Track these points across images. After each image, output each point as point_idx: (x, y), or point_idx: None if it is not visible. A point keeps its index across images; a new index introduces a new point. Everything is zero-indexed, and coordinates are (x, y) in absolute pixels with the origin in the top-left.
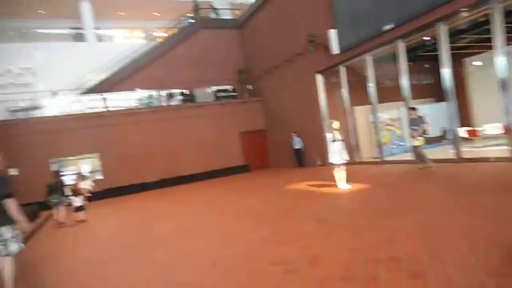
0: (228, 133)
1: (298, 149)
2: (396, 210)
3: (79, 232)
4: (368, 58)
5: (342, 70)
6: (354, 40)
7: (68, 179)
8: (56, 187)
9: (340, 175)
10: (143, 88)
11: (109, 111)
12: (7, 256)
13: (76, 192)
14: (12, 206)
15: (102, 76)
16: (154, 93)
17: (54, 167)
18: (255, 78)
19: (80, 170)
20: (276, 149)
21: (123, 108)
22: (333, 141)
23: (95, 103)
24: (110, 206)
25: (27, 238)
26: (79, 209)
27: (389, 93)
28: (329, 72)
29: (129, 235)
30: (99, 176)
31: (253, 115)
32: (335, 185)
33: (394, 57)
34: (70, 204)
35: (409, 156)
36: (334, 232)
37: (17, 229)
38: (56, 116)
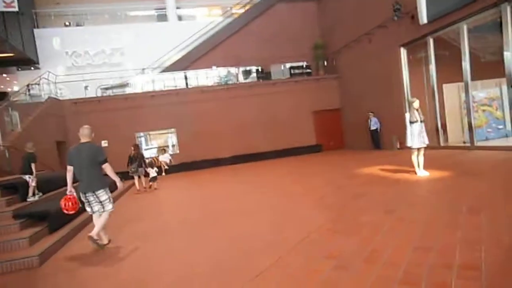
0: (301, 112)
1: (374, 130)
2: (483, 204)
3: (149, 200)
4: (463, 28)
5: (431, 43)
6: (447, 6)
7: (149, 152)
8: (136, 158)
9: (419, 160)
10: (219, 65)
11: (186, 88)
12: (104, 212)
13: (152, 163)
14: (108, 169)
15: (180, 54)
16: (232, 70)
17: (135, 141)
18: (331, 54)
19: (160, 144)
20: (352, 130)
21: (199, 86)
22: (412, 122)
23: (177, 81)
24: (183, 179)
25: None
26: (153, 179)
27: (486, 68)
28: (414, 45)
29: (191, 209)
30: (176, 151)
31: (327, 93)
32: (413, 171)
33: (495, 26)
34: (147, 174)
35: (509, 142)
36: (401, 226)
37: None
38: (137, 93)
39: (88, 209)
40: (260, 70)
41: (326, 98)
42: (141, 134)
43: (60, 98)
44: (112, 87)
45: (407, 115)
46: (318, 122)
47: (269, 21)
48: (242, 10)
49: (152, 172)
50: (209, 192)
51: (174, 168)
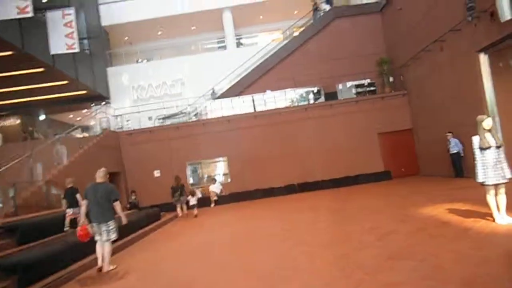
0: (364, 134)
1: (455, 154)
2: None
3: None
4: None
5: None
6: None
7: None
8: (178, 188)
9: (498, 201)
10: (273, 89)
11: (238, 115)
12: (107, 241)
13: (193, 192)
14: (118, 207)
15: (235, 81)
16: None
17: (185, 171)
18: (398, 69)
19: (212, 174)
20: (427, 153)
21: (247, 112)
22: (483, 148)
23: (241, 107)
24: (230, 213)
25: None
26: (193, 206)
27: None
28: (500, 49)
29: (217, 254)
30: (227, 180)
31: (395, 112)
32: (490, 216)
33: None
34: (188, 202)
35: None
36: None
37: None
38: (188, 122)
39: (97, 237)
40: (317, 91)
41: (394, 117)
42: (193, 162)
43: (117, 131)
44: (168, 117)
45: (475, 139)
46: (386, 145)
47: (328, 39)
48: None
49: (192, 200)
50: (241, 231)
51: (225, 199)
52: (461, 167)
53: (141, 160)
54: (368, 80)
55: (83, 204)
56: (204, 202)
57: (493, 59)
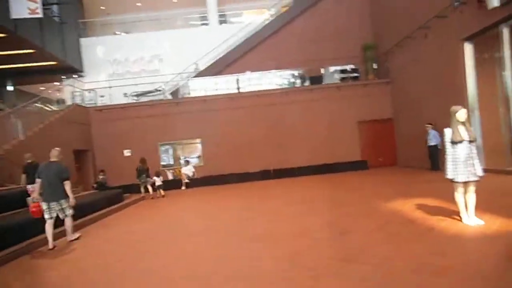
0: (344, 122)
1: (433, 146)
2: None
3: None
4: None
5: (504, 33)
6: None
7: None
8: (144, 170)
9: (467, 200)
10: (255, 70)
11: (215, 95)
12: (66, 217)
13: (158, 173)
14: (67, 187)
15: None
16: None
17: (157, 152)
18: (383, 55)
19: (186, 155)
20: (406, 144)
21: (224, 93)
22: (455, 142)
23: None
24: (194, 197)
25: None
26: (159, 187)
27: None
28: (484, 39)
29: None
30: (201, 163)
31: (377, 101)
32: (458, 215)
33: None
34: (154, 184)
35: None
36: None
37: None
38: (162, 100)
39: (46, 216)
40: (298, 75)
41: (375, 106)
42: (165, 143)
43: (87, 106)
44: (143, 94)
45: (447, 132)
46: (365, 134)
47: (313, 20)
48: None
49: (158, 181)
50: (194, 219)
51: (197, 182)
52: (438, 160)
53: (112, 138)
54: (352, 66)
55: (37, 182)
56: (175, 184)
57: (478, 49)
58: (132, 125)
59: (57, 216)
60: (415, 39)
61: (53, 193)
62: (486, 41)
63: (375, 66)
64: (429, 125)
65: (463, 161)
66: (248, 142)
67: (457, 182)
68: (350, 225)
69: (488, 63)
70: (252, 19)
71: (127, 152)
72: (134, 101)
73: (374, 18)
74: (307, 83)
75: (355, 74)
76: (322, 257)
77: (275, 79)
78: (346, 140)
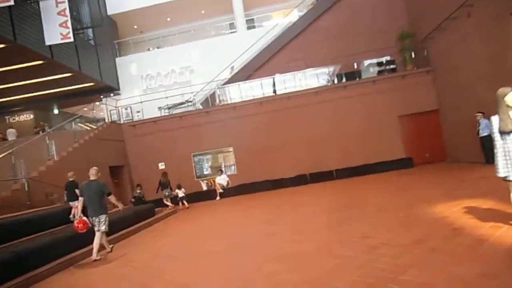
0: (383, 118)
1: (485, 137)
2: None
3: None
4: None
5: None
6: None
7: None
8: (166, 183)
9: None
10: (282, 72)
11: (243, 101)
12: (98, 232)
13: (179, 186)
14: (113, 199)
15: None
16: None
17: (191, 162)
18: (420, 43)
19: (219, 165)
20: (456, 136)
21: (253, 98)
22: (504, 132)
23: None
24: (226, 207)
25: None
26: (182, 199)
27: None
28: None
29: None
30: (234, 171)
31: (418, 92)
32: None
33: None
34: (177, 196)
35: None
36: None
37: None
38: (192, 111)
39: (95, 228)
40: (329, 72)
41: (417, 98)
42: (198, 154)
43: (121, 122)
44: (174, 106)
45: (495, 120)
46: (408, 129)
47: (340, 14)
48: None
49: (180, 193)
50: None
51: (232, 191)
52: (491, 152)
53: (146, 152)
54: (388, 57)
55: (80, 200)
56: (210, 195)
57: None
58: (164, 138)
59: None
60: (456, 20)
61: (94, 209)
62: None
63: (412, 55)
64: (480, 114)
65: None
66: (281, 146)
67: (510, 181)
68: (383, 238)
69: None
70: (279, 21)
71: (161, 165)
72: (166, 115)
73: (409, 4)
74: (343, 80)
75: (392, 66)
76: (347, 282)
77: (308, 80)
78: (386, 137)
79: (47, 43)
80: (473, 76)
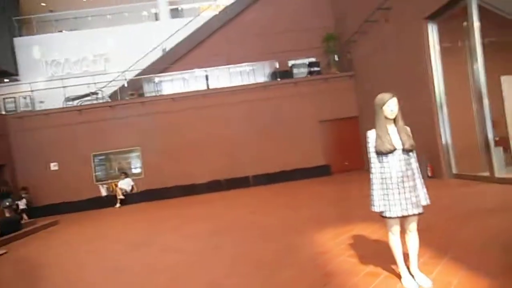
0: (303, 122)
1: None
2: None
3: None
4: None
5: (473, 10)
6: None
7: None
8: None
9: (408, 245)
10: (203, 66)
11: (154, 96)
12: None
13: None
14: None
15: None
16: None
17: (90, 163)
18: (344, 45)
19: (122, 167)
20: None
21: (163, 94)
22: (380, 153)
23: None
24: (126, 217)
25: None
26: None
27: None
28: (450, 17)
29: None
30: (140, 175)
31: (340, 97)
32: (394, 267)
33: None
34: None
35: None
36: None
37: None
38: (94, 104)
39: None
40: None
41: (338, 103)
42: (100, 154)
43: (4, 114)
44: (79, 97)
45: (371, 136)
46: (328, 135)
47: (269, 8)
48: None
49: (21, 204)
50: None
51: (136, 197)
52: None
53: (35, 150)
54: (313, 59)
55: None
56: (110, 201)
57: (441, 29)
58: (59, 134)
59: None
60: (376, 23)
61: None
62: (452, 18)
63: (336, 58)
64: None
65: (396, 183)
66: (194, 149)
67: (389, 218)
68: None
69: (457, 48)
70: (208, 13)
71: (53, 166)
72: (60, 107)
73: (334, 4)
74: (265, 79)
75: (316, 68)
76: None
77: (231, 77)
78: (306, 143)
79: None
80: (388, 84)
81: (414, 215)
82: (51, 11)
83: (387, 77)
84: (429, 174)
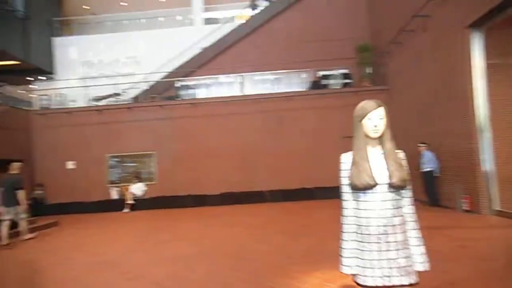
0: (327, 138)
1: (427, 172)
2: None
3: None
4: None
5: None
6: None
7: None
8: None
9: None
10: (228, 73)
11: (173, 101)
12: (20, 220)
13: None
14: (20, 196)
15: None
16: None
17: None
18: (378, 57)
19: (136, 170)
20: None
21: (187, 98)
22: (357, 188)
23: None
24: (121, 225)
25: None
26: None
27: None
28: (498, 25)
29: None
30: (153, 180)
31: None
32: None
33: None
34: None
35: None
36: None
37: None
38: (112, 105)
39: (3, 217)
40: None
41: None
42: (115, 156)
43: (27, 109)
44: (104, 97)
45: (345, 160)
46: None
47: (297, 16)
48: None
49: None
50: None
51: (147, 203)
52: (435, 192)
53: (56, 147)
54: (345, 71)
55: None
56: (121, 205)
57: (491, 39)
58: (79, 133)
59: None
60: (413, 32)
61: (9, 200)
62: (501, 27)
63: (369, 70)
64: (423, 145)
65: (377, 236)
66: (209, 158)
67: (363, 287)
68: None
69: (508, 64)
70: (238, 21)
71: (70, 164)
72: (82, 106)
73: (371, 15)
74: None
75: (348, 80)
76: None
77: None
78: (328, 160)
79: None
80: (422, 101)
81: (401, 286)
82: (94, 14)
83: (422, 93)
84: (465, 207)
